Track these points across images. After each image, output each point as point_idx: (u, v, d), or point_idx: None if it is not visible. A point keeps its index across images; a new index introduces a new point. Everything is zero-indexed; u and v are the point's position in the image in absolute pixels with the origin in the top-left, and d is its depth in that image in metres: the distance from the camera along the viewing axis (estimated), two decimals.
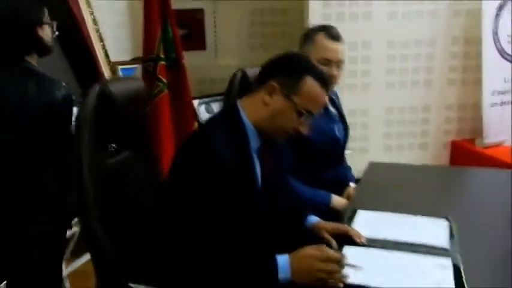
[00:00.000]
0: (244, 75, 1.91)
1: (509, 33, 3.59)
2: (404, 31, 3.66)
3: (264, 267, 1.12)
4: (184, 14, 4.33)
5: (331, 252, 1.17)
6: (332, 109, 2.09)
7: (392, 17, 3.63)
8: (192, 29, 4.38)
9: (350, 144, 3.57)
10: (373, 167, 2.15)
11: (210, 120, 1.36)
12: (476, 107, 3.75)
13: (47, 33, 1.75)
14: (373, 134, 3.75)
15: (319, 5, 3.52)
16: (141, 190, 1.54)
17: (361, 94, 3.69)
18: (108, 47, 3.18)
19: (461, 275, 1.15)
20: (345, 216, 1.52)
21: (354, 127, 3.72)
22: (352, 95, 3.66)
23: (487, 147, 3.59)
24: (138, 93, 1.49)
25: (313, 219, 1.45)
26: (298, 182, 1.77)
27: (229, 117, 1.26)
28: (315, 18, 3.50)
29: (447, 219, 1.47)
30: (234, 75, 1.91)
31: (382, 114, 3.76)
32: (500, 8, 3.58)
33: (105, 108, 1.33)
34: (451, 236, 1.39)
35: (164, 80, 2.67)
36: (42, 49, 1.76)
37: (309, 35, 1.88)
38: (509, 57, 3.64)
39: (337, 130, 1.97)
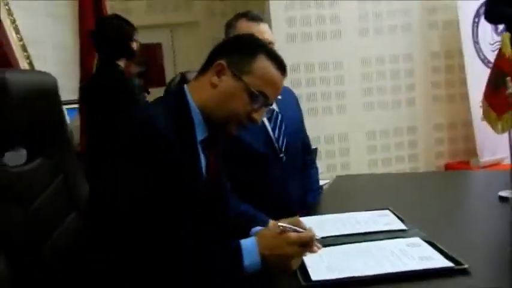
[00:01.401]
0: (183, 78, 1.89)
1: (491, 41, 3.69)
2: (378, 47, 3.74)
3: (227, 251, 1.07)
4: (141, 49, 4.44)
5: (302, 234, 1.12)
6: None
7: (363, 34, 3.74)
8: (149, 66, 4.47)
9: (331, 173, 3.55)
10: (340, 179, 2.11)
11: (152, 102, 1.32)
12: (468, 124, 3.77)
13: None
14: (355, 161, 3.71)
15: (283, 27, 3.62)
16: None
17: (338, 117, 3.69)
18: None
19: (439, 246, 1.13)
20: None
21: (333, 154, 3.70)
22: (327, 118, 3.67)
23: (484, 167, 3.56)
24: (46, 89, 1.44)
25: (257, 229, 1.38)
26: (235, 198, 1.72)
27: (174, 99, 1.22)
28: (279, 39, 3.58)
29: (389, 209, 1.50)
30: (173, 79, 1.90)
31: (363, 139, 3.75)
32: (477, 15, 3.71)
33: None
34: (401, 220, 1.41)
35: None
36: None
37: (230, 23, 1.93)
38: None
39: (277, 129, 1.92)
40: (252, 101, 1.20)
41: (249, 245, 1.07)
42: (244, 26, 1.90)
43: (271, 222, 1.38)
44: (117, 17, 2.71)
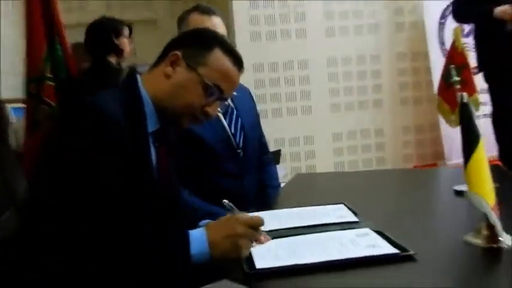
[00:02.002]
0: (132, 71, 1.90)
1: None
2: (344, 48, 3.82)
3: (173, 241, 1.06)
4: None
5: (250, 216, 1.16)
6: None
7: (329, 34, 3.81)
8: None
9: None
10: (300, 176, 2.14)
11: (101, 91, 1.31)
12: (435, 127, 3.88)
13: None
14: (321, 164, 3.76)
15: (245, 25, 3.65)
16: None
17: (303, 119, 3.74)
18: None
19: (388, 236, 1.16)
20: None
21: (298, 157, 3.74)
22: (292, 119, 3.71)
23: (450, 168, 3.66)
24: None
25: (204, 222, 1.39)
26: (189, 193, 1.73)
27: (125, 89, 1.21)
28: (242, 38, 3.62)
29: (344, 204, 1.53)
30: (122, 72, 1.90)
31: (329, 141, 3.80)
32: (443, 16, 3.84)
33: None
34: (354, 213, 1.44)
35: (52, 104, 2.62)
36: None
37: (182, 17, 1.97)
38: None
39: (233, 125, 1.94)
40: (206, 93, 1.21)
41: (197, 234, 1.08)
42: (196, 19, 1.92)
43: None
44: (105, 18, 2.94)
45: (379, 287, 0.99)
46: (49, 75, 2.64)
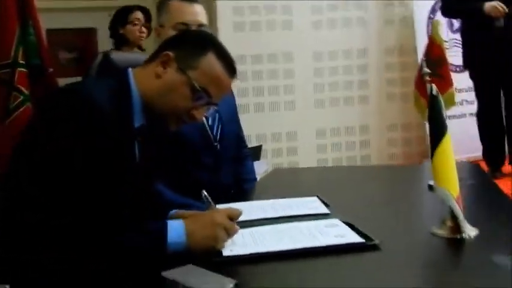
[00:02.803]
0: (106, 57, 1.95)
1: (446, 39, 3.92)
2: (331, 41, 3.90)
3: (151, 229, 1.13)
4: (71, 34, 4.44)
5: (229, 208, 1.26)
6: None
7: (316, 26, 3.89)
8: (83, 52, 4.47)
9: None
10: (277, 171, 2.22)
11: (91, 77, 1.36)
12: (422, 125, 3.98)
13: None
14: (303, 161, 3.84)
15: (229, 13, 3.72)
16: None
17: (286, 114, 3.82)
18: None
19: (357, 227, 1.23)
20: None
21: (280, 153, 3.82)
22: (274, 114, 3.79)
23: None
24: None
25: (172, 212, 1.46)
26: (164, 186, 1.80)
27: (115, 80, 1.27)
28: (225, 28, 3.68)
29: (318, 197, 1.61)
30: (94, 58, 1.95)
31: (313, 138, 3.89)
32: (433, 11, 3.95)
33: None
34: (327, 205, 1.52)
35: (25, 91, 2.64)
36: None
37: (162, 3, 2.01)
38: (449, 67, 3.95)
39: (211, 117, 2.01)
40: (193, 97, 1.26)
41: (175, 223, 1.15)
42: (177, 6, 1.97)
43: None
44: (118, 9, 3.36)
45: (343, 274, 1.07)
46: (21, 62, 2.66)
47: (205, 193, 1.26)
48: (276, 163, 3.76)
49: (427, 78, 1.28)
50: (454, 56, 3.91)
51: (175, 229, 1.14)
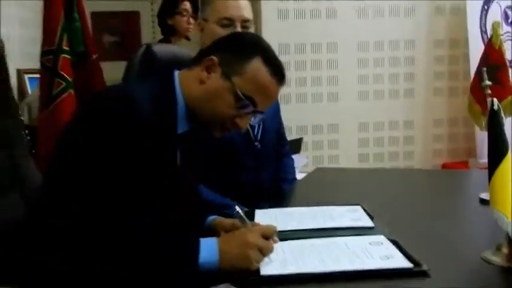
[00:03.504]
0: (148, 50, 1.91)
1: (501, 31, 3.72)
2: (377, 31, 3.76)
3: (182, 246, 1.09)
4: (115, 17, 4.44)
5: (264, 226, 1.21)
6: None
7: (361, 15, 3.75)
8: (126, 36, 4.47)
9: (317, 166, 3.58)
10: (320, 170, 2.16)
11: (135, 80, 1.33)
12: (469, 121, 3.82)
13: None
14: (344, 155, 3.75)
15: (273, 2, 3.62)
16: None
17: (328, 106, 3.72)
18: (12, 50, 3.19)
19: (402, 246, 1.17)
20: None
21: (321, 145, 3.74)
22: (316, 106, 3.70)
23: (482, 169, 3.61)
24: None
25: (212, 217, 1.42)
26: (204, 187, 1.77)
27: (160, 84, 1.23)
28: (269, 16, 3.60)
29: (361, 206, 1.54)
30: (137, 50, 1.91)
31: (355, 131, 3.79)
32: (487, 1, 3.75)
33: None
34: (371, 217, 1.45)
35: (68, 78, 2.64)
36: None
37: None
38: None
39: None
40: (237, 105, 1.21)
41: (208, 242, 1.11)
42: (221, 0, 1.92)
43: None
44: None
45: None
46: (65, 48, 2.66)
47: (238, 209, 1.21)
48: (316, 156, 3.69)
49: (488, 91, 1.18)
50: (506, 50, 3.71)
51: (208, 247, 1.09)
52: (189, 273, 1.06)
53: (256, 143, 1.88)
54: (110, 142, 1.08)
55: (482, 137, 3.62)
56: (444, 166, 3.91)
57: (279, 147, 2.08)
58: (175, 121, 1.22)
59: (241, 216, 1.20)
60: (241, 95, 1.19)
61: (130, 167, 1.09)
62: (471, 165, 3.68)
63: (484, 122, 1.58)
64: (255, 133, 1.88)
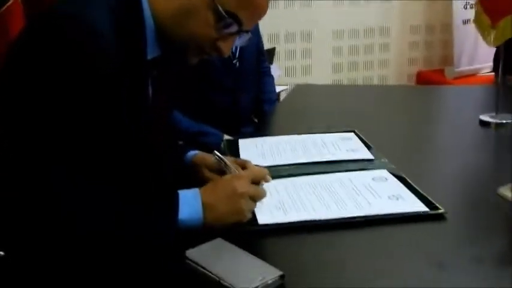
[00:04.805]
0: None
1: None
2: None
3: (159, 204, 0.92)
4: None
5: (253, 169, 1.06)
6: None
7: None
8: None
9: (290, 78, 3.42)
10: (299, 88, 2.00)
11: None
12: (447, 27, 3.67)
13: None
14: (317, 64, 3.58)
15: None
16: None
17: (301, 12, 3.48)
18: None
19: (412, 184, 1.07)
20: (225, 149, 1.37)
21: (294, 55, 3.55)
22: (289, 12, 3.45)
23: (458, 78, 3.52)
24: None
25: (192, 153, 1.25)
26: (181, 114, 1.59)
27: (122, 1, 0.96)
28: None
29: (354, 132, 1.43)
30: None
31: (329, 39, 3.59)
32: None
33: None
34: (367, 146, 1.34)
35: None
36: None
37: None
38: None
39: None
40: (218, 24, 0.97)
41: (189, 195, 0.95)
42: None
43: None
44: None
45: (405, 250, 0.89)
46: None
47: (218, 153, 1.05)
48: (288, 66, 3.51)
49: None
50: None
51: (189, 201, 0.93)
52: (167, 238, 0.91)
53: (234, 61, 1.69)
54: (60, 77, 0.86)
55: (460, 45, 3.50)
56: (419, 74, 3.81)
57: (258, 64, 1.89)
58: (144, 44, 0.99)
59: (221, 159, 1.05)
60: (222, 12, 0.96)
61: (92, 106, 0.88)
62: (447, 74, 3.58)
63: (492, 36, 1.41)
64: (234, 50, 1.68)
